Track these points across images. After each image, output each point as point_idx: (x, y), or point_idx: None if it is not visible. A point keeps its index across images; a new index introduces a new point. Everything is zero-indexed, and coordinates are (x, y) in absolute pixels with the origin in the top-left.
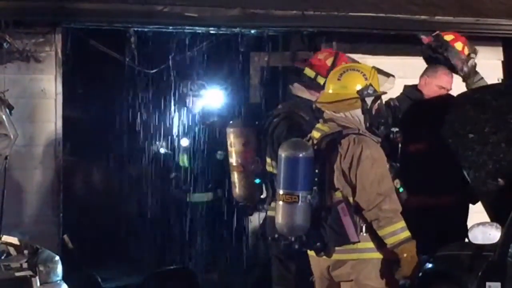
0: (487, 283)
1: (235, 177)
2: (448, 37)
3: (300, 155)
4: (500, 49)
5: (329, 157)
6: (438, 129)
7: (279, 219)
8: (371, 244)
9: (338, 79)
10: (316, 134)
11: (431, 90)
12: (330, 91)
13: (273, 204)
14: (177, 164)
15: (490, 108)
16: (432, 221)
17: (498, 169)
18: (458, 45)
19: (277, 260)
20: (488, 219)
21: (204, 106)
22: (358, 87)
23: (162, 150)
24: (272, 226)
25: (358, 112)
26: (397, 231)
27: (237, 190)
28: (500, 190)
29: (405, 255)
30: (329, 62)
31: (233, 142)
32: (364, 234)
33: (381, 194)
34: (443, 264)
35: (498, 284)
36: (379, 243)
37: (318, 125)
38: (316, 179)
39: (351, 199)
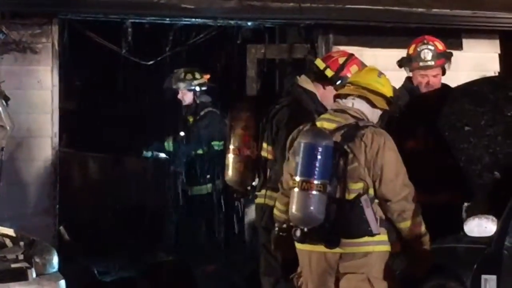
0: (483, 276)
1: (230, 160)
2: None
3: (322, 143)
4: (497, 42)
5: (350, 148)
6: (435, 122)
7: (293, 208)
8: (385, 237)
9: (378, 76)
10: (328, 125)
11: (416, 77)
12: (369, 82)
13: (262, 191)
14: (175, 157)
15: (487, 101)
16: (429, 216)
17: (494, 162)
18: (411, 49)
19: (264, 249)
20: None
21: (197, 97)
22: (390, 92)
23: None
24: (260, 214)
25: (379, 111)
26: (419, 223)
27: (229, 172)
28: (496, 183)
29: (424, 247)
30: (341, 60)
31: (233, 125)
32: (380, 227)
33: (406, 186)
34: (438, 257)
35: (494, 277)
36: (392, 236)
37: (328, 116)
38: (333, 169)
39: (371, 191)
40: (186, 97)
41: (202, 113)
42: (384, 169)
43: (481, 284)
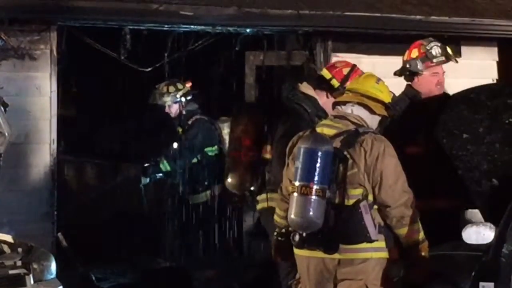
0: (481, 283)
1: (230, 164)
2: (405, 55)
3: (322, 148)
4: (495, 49)
5: (349, 154)
6: (433, 129)
7: (292, 212)
8: (384, 244)
9: (376, 83)
10: (328, 131)
11: (426, 80)
12: (367, 88)
13: (263, 195)
14: (175, 173)
15: (485, 108)
16: (428, 223)
17: (492, 169)
18: (414, 53)
19: None
20: (482, 219)
21: (184, 108)
22: (389, 98)
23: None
24: (269, 217)
25: (378, 117)
26: (418, 230)
27: (229, 178)
28: (494, 190)
29: (423, 253)
30: (345, 71)
31: (233, 129)
32: (379, 234)
33: (406, 192)
34: (436, 264)
35: (492, 284)
36: (390, 242)
37: (329, 122)
38: (333, 174)
39: (370, 197)
40: (173, 110)
41: (189, 122)
42: (384, 175)
43: None
